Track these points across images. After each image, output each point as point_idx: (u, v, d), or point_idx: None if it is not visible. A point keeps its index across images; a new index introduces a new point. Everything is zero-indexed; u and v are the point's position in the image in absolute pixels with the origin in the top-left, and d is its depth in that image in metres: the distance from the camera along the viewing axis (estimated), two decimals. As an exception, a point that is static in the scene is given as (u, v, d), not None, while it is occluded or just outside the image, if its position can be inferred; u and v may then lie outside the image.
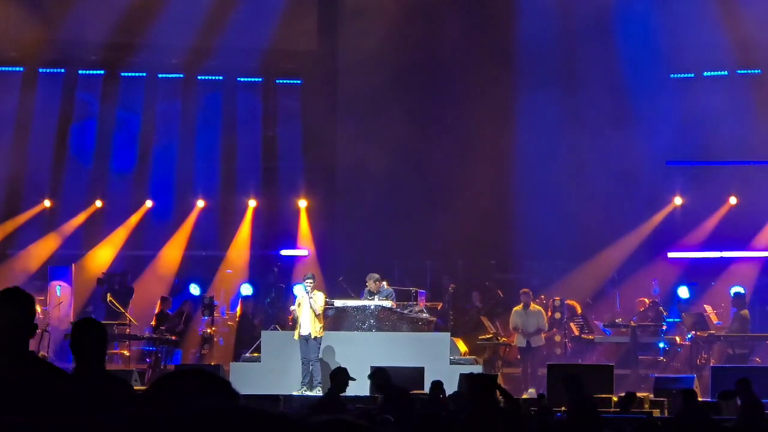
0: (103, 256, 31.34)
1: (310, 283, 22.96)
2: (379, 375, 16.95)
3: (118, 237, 31.75)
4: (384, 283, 24.71)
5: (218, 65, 31.82)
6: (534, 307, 25.80)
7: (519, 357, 26.04)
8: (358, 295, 24.87)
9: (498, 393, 12.95)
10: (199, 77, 32.31)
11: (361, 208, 29.96)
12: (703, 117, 29.51)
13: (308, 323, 22.70)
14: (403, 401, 15.64)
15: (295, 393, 22.05)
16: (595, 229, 29.37)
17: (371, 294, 24.46)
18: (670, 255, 30.07)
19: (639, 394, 20.83)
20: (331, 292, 25.27)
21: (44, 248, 31.19)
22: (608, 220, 29.39)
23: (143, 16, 30.06)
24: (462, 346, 24.90)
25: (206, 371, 3.63)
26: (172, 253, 31.75)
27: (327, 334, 23.16)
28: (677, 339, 26.60)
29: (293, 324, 23.78)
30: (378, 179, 29.36)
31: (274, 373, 23.19)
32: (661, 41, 29.81)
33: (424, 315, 24.79)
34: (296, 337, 22.79)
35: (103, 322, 27.64)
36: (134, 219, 32.04)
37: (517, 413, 9.67)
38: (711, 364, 24.12)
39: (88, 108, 32.40)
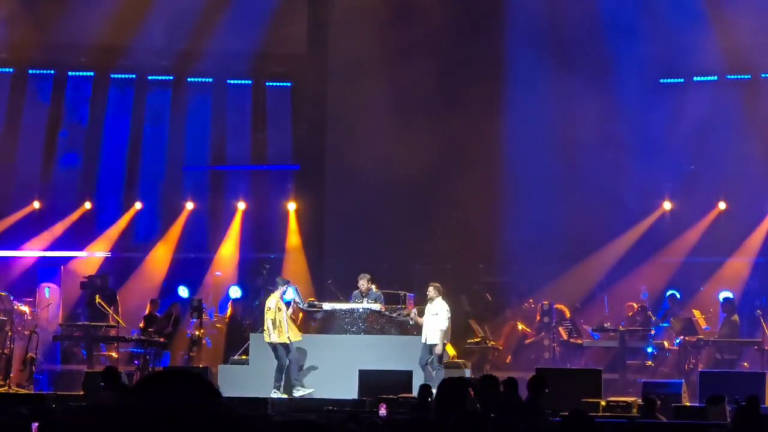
0: (92, 257, 31.27)
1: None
2: None
3: (108, 239, 31.69)
4: (373, 286, 24.67)
5: (208, 67, 31.76)
6: (437, 301, 22.98)
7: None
8: (347, 298, 24.84)
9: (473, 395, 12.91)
10: (188, 79, 32.26)
11: (350, 212, 29.92)
12: (692, 122, 29.53)
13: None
14: None
15: (273, 395, 22.01)
16: (584, 233, 29.37)
17: (362, 294, 24.40)
18: (659, 260, 30.06)
19: (627, 399, 20.86)
20: (320, 295, 25.25)
21: (33, 249, 31.11)
22: (597, 225, 29.38)
23: (133, 18, 30.01)
24: (450, 350, 24.87)
25: (191, 373, 3.63)
26: (160, 255, 31.69)
27: (315, 337, 23.12)
28: (665, 344, 26.61)
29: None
30: (367, 182, 29.33)
31: (262, 376, 23.17)
32: (651, 46, 29.83)
33: (413, 319, 24.75)
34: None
35: (90, 324, 27.35)
36: (123, 221, 31.98)
37: (485, 418, 9.67)
38: (699, 369, 24.14)
39: (78, 109, 32.33)
